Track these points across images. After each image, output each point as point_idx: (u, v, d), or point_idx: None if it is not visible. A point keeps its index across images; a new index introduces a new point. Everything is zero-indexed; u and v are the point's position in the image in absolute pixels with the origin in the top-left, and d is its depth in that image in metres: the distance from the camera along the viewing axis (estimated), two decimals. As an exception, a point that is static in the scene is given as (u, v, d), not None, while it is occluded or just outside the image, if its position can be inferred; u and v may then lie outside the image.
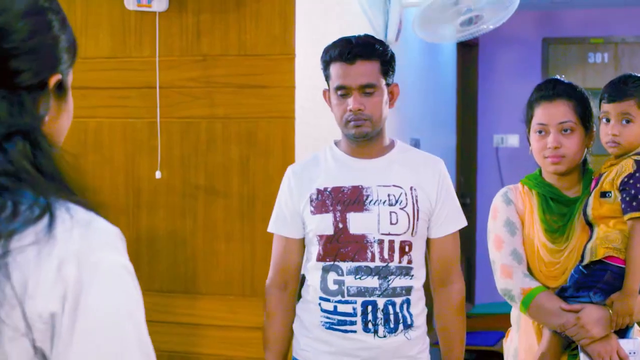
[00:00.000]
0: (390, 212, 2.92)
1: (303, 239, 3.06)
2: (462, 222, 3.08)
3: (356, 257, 2.91)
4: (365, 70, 2.91)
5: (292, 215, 3.04)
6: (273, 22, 3.95)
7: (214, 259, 4.07)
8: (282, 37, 3.94)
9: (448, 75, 7.76)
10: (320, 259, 2.96)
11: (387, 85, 2.98)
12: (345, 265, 2.92)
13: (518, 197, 3.10)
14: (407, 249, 2.94)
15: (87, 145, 4.17)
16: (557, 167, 3.00)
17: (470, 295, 8.14)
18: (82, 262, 1.22)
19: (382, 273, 2.90)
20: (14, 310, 1.17)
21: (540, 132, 3.01)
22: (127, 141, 4.17)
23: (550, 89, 3.03)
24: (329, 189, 2.97)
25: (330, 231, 2.93)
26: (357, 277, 2.90)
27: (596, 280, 2.86)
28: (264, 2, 3.96)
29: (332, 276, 2.94)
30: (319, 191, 2.98)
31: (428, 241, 3.05)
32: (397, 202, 2.94)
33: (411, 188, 2.96)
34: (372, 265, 2.90)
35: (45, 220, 1.22)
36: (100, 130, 4.18)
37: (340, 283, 2.92)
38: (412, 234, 2.94)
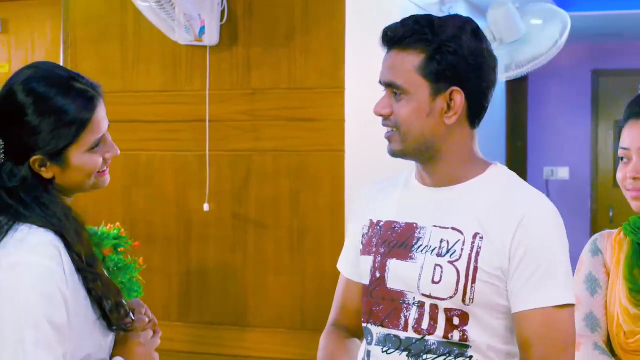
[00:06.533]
0: (435, 266, 2.00)
1: None
2: (561, 297, 1.95)
3: (386, 321, 2.07)
4: (395, 63, 2.02)
5: (356, 252, 2.21)
6: (323, 56, 3.97)
7: (263, 292, 4.07)
8: (331, 71, 3.95)
9: (497, 108, 7.72)
10: (362, 316, 2.17)
11: (437, 90, 2.00)
12: (375, 331, 2.09)
13: (608, 245, 2.33)
14: (456, 320, 1.99)
15: (138, 178, 4.20)
16: (639, 205, 2.25)
17: None
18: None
19: (414, 349, 2.01)
20: None
21: (622, 158, 2.28)
22: (177, 174, 4.20)
23: (638, 105, 2.27)
24: (381, 223, 2.13)
25: (367, 280, 2.12)
26: (385, 349, 2.06)
27: None
28: (314, 36, 3.99)
29: (364, 344, 2.14)
30: (371, 224, 2.16)
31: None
32: (447, 252, 2.00)
33: (475, 235, 1.99)
34: (402, 335, 2.03)
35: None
36: (152, 163, 4.21)
37: (368, 355, 2.11)
38: (463, 300, 1.97)
